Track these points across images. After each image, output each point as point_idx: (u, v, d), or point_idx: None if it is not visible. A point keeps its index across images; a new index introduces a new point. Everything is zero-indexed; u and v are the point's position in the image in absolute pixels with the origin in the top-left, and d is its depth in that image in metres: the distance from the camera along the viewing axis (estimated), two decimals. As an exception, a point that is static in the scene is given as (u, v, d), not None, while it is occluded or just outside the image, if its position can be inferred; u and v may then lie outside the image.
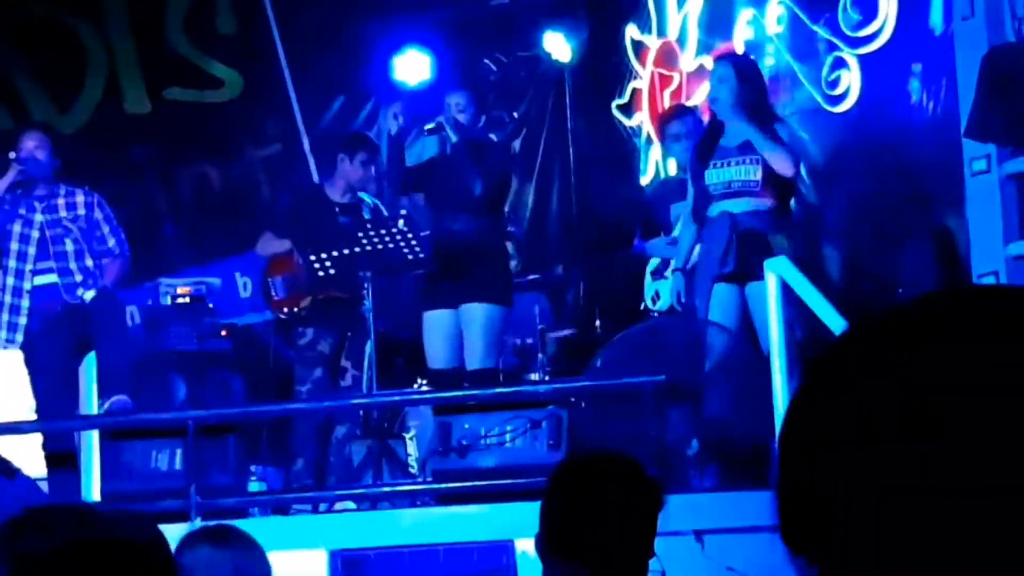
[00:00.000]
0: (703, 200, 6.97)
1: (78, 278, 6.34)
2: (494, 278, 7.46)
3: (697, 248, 7.13)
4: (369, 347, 7.17)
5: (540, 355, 8.41)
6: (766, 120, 6.93)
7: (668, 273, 7.66)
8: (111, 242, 6.51)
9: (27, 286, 6.47)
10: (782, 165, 6.82)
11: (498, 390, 7.28)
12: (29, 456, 6.44)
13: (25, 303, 6.48)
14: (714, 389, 6.86)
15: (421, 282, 7.80)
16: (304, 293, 7.63)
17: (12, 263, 6.48)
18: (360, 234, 7.25)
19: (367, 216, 7.79)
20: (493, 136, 8.57)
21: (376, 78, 9.53)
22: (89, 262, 6.39)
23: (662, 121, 8.62)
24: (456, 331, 7.45)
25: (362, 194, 7.83)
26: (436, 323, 7.46)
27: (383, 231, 7.25)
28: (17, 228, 6.49)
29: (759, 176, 6.72)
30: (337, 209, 7.74)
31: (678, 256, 7.19)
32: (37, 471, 6.51)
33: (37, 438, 6.67)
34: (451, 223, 7.55)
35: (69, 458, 6.54)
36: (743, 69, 7.09)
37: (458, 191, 7.51)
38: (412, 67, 9.32)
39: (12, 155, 6.72)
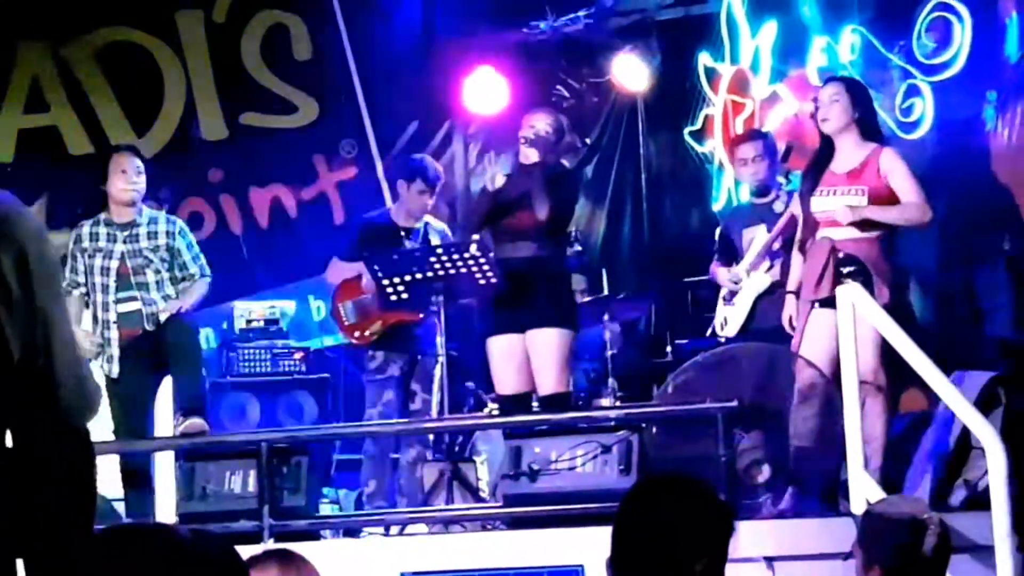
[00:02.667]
0: (809, 227, 6.91)
1: (161, 306, 6.39)
2: (559, 302, 7.33)
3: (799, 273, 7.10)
4: (439, 370, 7.15)
5: (611, 379, 8.30)
6: (882, 140, 6.89)
7: (737, 299, 7.70)
8: (193, 269, 6.55)
9: (112, 317, 6.51)
10: (915, 212, 6.76)
11: (568, 415, 7.19)
12: (105, 477, 6.30)
13: (114, 334, 6.51)
14: (795, 418, 6.81)
15: (485, 307, 7.70)
16: (375, 317, 7.57)
17: (98, 297, 6.52)
18: (433, 259, 7.15)
19: (432, 240, 7.80)
20: (565, 162, 8.27)
21: (449, 104, 9.47)
22: (171, 290, 6.46)
23: (734, 143, 8.52)
24: (523, 356, 7.29)
25: (427, 218, 7.85)
26: (503, 349, 7.32)
27: (456, 256, 7.13)
28: (98, 262, 6.54)
29: (865, 205, 6.68)
30: (403, 233, 7.73)
31: (791, 281, 7.16)
32: (113, 492, 6.54)
33: (114, 459, 6.67)
34: (516, 249, 7.42)
35: (144, 479, 6.56)
36: (853, 91, 6.96)
37: (525, 216, 7.38)
38: (485, 93, 9.09)
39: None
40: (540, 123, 7.48)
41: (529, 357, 7.24)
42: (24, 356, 2.02)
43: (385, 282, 7.14)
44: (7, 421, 2.03)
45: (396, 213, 7.90)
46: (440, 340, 7.14)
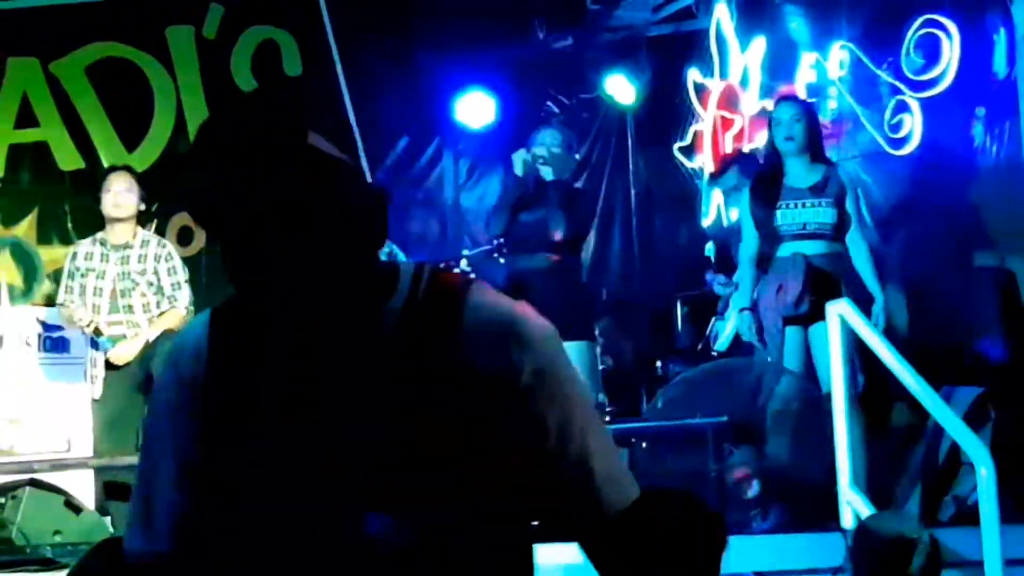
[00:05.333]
0: (769, 240, 6.89)
1: (136, 331, 6.45)
2: (576, 315, 7.39)
3: (760, 287, 7.01)
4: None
5: (600, 395, 8.18)
6: (828, 163, 6.94)
7: (728, 314, 7.64)
8: (175, 294, 6.65)
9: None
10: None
11: None
12: (87, 490, 6.53)
13: (100, 355, 6.59)
14: (779, 431, 6.76)
15: None
16: None
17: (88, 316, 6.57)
18: None
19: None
20: (564, 177, 8.48)
21: (439, 119, 9.53)
22: (157, 312, 6.53)
23: (720, 169, 8.66)
24: None
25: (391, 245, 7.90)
26: None
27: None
28: (90, 282, 6.55)
29: (834, 219, 6.66)
30: (387, 254, 7.59)
31: (743, 296, 7.12)
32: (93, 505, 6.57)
33: (90, 475, 6.77)
34: (534, 261, 7.53)
35: (128, 492, 6.58)
36: (810, 112, 7.04)
37: (544, 231, 7.52)
38: (475, 109, 9.29)
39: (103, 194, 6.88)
40: (551, 140, 7.59)
41: None
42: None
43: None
44: None
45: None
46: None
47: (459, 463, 1.80)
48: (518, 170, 7.68)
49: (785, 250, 6.72)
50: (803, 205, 6.73)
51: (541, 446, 1.84)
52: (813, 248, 6.67)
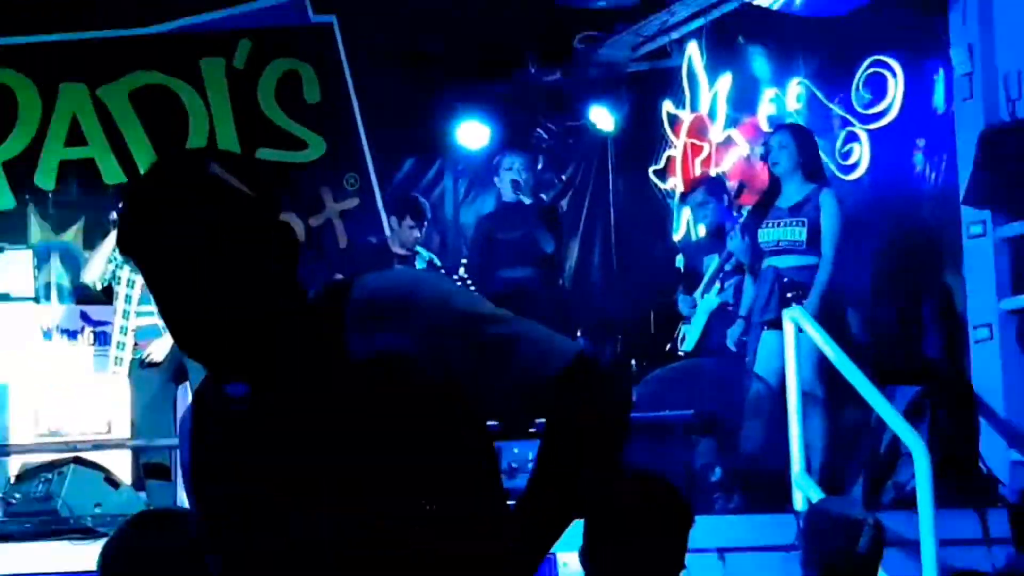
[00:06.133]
0: (757, 256, 7.09)
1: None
2: (557, 321, 7.29)
3: (743, 298, 7.19)
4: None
5: None
6: (823, 181, 6.97)
7: (694, 320, 7.74)
8: None
9: (132, 325, 6.69)
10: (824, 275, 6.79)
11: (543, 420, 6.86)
12: (125, 468, 6.57)
13: (130, 340, 6.69)
14: (747, 427, 7.02)
15: None
16: None
17: (120, 305, 6.69)
18: None
19: (424, 266, 7.95)
20: (543, 196, 8.65)
21: (441, 142, 9.56)
22: None
23: (688, 191, 8.57)
24: None
25: (419, 248, 7.94)
26: None
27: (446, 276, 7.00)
28: (125, 273, 6.69)
29: (805, 236, 6.77)
30: (396, 261, 7.93)
31: (743, 306, 7.24)
32: (130, 481, 6.64)
33: (128, 454, 6.83)
34: (517, 272, 7.84)
35: (165, 471, 6.70)
36: (801, 139, 7.11)
37: (526, 246, 7.78)
38: (473, 134, 9.32)
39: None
40: (517, 164, 7.85)
41: None
42: None
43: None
44: None
45: (392, 243, 7.97)
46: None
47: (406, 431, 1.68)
48: (506, 196, 7.82)
49: (765, 264, 6.90)
50: (780, 225, 6.88)
51: (459, 368, 1.71)
52: (785, 262, 6.80)
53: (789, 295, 6.80)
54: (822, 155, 7.68)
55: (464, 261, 8.12)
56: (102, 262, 6.71)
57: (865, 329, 7.76)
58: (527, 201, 7.85)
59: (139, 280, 6.82)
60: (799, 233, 6.85)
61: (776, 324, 6.75)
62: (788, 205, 6.89)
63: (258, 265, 1.70)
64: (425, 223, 8.01)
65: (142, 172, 1.89)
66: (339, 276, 7.23)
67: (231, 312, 1.67)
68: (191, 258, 1.66)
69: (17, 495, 6.76)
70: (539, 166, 8.41)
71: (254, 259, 1.70)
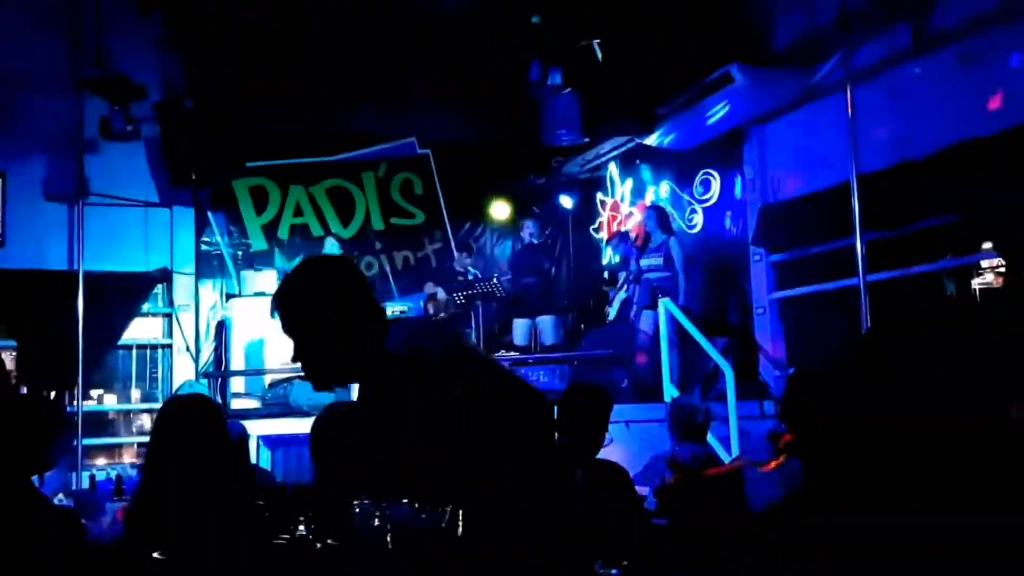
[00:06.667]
0: (639, 272, 9.14)
1: None
2: (551, 303, 10.13)
3: (636, 294, 9.22)
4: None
5: (561, 343, 10.32)
6: (672, 233, 9.06)
7: (614, 303, 9.66)
8: None
9: None
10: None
11: (539, 355, 9.15)
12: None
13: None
14: (638, 360, 8.65)
15: (508, 306, 10.03)
16: (442, 311, 10.04)
17: None
18: (477, 285, 9.71)
19: (472, 278, 10.23)
20: (538, 240, 10.97)
21: (484, 214, 11.84)
22: None
23: (609, 239, 11.27)
24: (531, 329, 9.93)
25: (471, 268, 10.51)
26: (522, 324, 10.07)
27: (487, 284, 9.71)
28: None
29: (662, 262, 8.95)
30: (459, 276, 10.42)
31: (635, 298, 9.03)
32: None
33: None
34: (528, 278, 10.05)
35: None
36: (660, 212, 9.25)
37: (533, 265, 10.18)
38: (500, 210, 11.67)
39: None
40: (531, 227, 10.59)
41: (536, 327, 9.87)
42: None
43: (454, 295, 9.84)
44: None
45: (456, 266, 10.67)
46: (477, 323, 9.66)
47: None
48: (525, 240, 10.61)
49: (643, 277, 9.01)
50: (650, 256, 9.06)
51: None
52: (653, 276, 8.99)
53: (656, 293, 8.75)
54: (676, 220, 9.63)
55: (497, 275, 10.10)
56: None
57: (699, 307, 9.24)
58: (536, 242, 10.33)
59: None
60: (659, 262, 9.01)
61: (649, 307, 8.74)
62: (654, 247, 9.12)
63: (352, 332, 2.17)
64: (473, 255, 10.58)
65: (304, 257, 2.31)
66: (428, 282, 10.63)
67: (337, 361, 2.14)
68: (306, 327, 2.16)
69: (269, 394, 8.52)
70: (537, 226, 10.68)
71: (350, 328, 2.17)
